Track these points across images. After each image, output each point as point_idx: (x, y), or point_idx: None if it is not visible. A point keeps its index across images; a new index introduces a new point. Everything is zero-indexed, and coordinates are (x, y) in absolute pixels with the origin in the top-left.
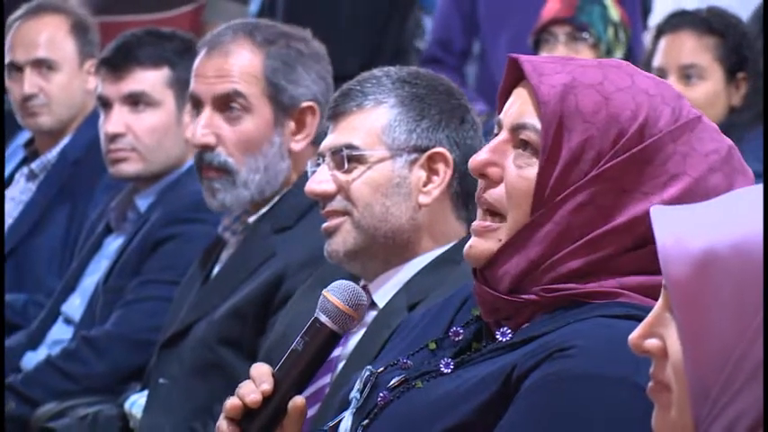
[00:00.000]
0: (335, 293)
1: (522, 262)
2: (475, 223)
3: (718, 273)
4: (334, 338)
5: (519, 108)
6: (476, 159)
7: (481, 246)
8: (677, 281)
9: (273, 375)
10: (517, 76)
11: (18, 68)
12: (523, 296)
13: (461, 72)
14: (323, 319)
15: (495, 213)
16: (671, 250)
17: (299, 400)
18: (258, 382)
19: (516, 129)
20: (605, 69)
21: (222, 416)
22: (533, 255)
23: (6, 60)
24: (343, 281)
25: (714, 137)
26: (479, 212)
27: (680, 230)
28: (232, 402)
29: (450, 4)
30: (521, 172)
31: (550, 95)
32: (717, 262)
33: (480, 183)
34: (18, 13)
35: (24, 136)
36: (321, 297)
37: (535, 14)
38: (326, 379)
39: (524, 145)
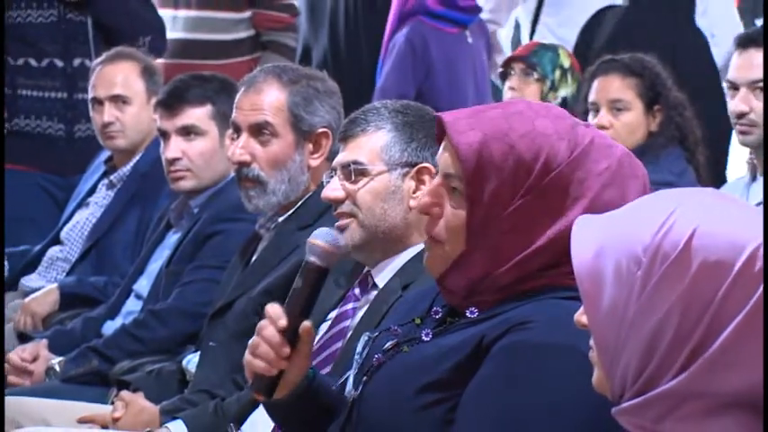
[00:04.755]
0: (318, 238)
1: (464, 280)
2: (426, 245)
3: (607, 259)
4: (323, 272)
5: (447, 159)
6: (420, 202)
7: (432, 265)
8: (578, 265)
9: (284, 310)
10: (443, 130)
11: (99, 102)
12: (478, 298)
13: None
14: (311, 258)
15: (439, 242)
16: (578, 244)
17: (306, 324)
18: (275, 319)
19: (446, 176)
20: (509, 118)
21: (262, 346)
22: (472, 274)
23: (90, 95)
24: (323, 228)
25: (606, 154)
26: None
27: (586, 231)
28: (268, 335)
29: (408, 64)
30: (454, 211)
31: (468, 153)
32: (605, 249)
33: (427, 218)
34: (100, 59)
35: (105, 154)
36: (307, 243)
37: (471, 62)
38: (338, 344)
39: (453, 189)
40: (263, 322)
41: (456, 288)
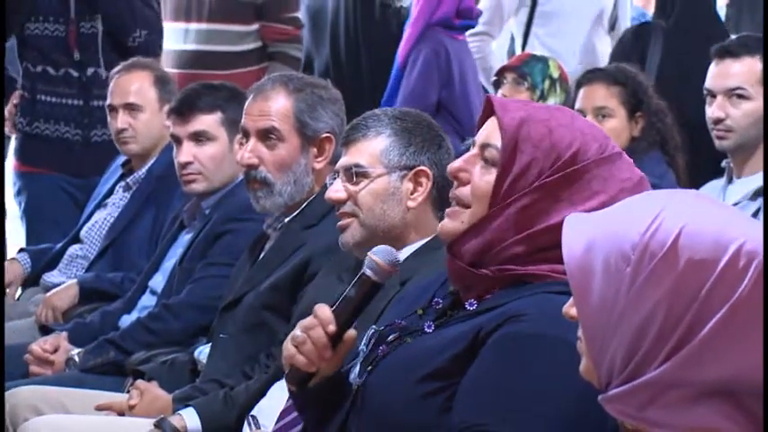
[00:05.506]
0: (378, 255)
1: (479, 243)
2: (447, 210)
3: (597, 255)
4: (376, 287)
5: (487, 132)
6: (452, 165)
7: (449, 225)
8: (570, 260)
9: (333, 315)
10: (489, 111)
11: (115, 109)
12: (481, 270)
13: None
14: (368, 273)
15: (462, 205)
16: (569, 241)
17: (352, 332)
18: (325, 323)
19: (484, 146)
20: (552, 110)
21: (307, 344)
22: (488, 238)
23: (107, 102)
24: (384, 246)
25: (630, 169)
26: (451, 205)
27: (577, 227)
28: (316, 336)
29: (434, 72)
30: (483, 177)
31: (510, 125)
32: (594, 246)
33: (454, 184)
34: (117, 68)
35: (122, 158)
36: (367, 258)
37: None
38: None
39: (486, 160)
40: (311, 321)
41: (466, 252)
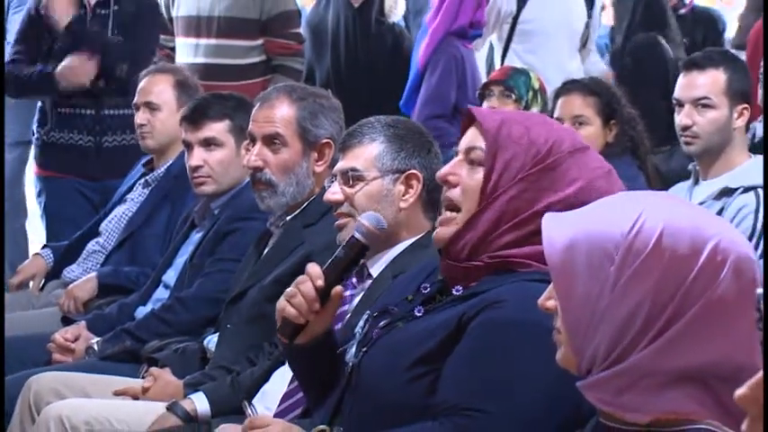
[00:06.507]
0: (366, 219)
1: (474, 236)
2: (440, 218)
3: (578, 253)
4: (364, 248)
5: (470, 137)
6: (441, 171)
7: (443, 232)
8: (552, 257)
9: (323, 272)
10: (469, 121)
11: (138, 107)
12: (474, 262)
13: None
14: (357, 236)
15: (453, 208)
16: (550, 238)
17: (339, 288)
18: (315, 278)
19: (468, 150)
20: (526, 114)
21: (297, 297)
22: (481, 231)
23: (134, 100)
24: (371, 212)
25: (598, 160)
26: (442, 210)
27: (556, 226)
28: (305, 290)
29: (453, 75)
30: (472, 176)
31: (492, 126)
32: (576, 244)
33: (444, 189)
34: (146, 71)
35: (145, 158)
36: (356, 223)
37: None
38: (338, 326)
39: (472, 162)
40: (302, 278)
41: (463, 249)
